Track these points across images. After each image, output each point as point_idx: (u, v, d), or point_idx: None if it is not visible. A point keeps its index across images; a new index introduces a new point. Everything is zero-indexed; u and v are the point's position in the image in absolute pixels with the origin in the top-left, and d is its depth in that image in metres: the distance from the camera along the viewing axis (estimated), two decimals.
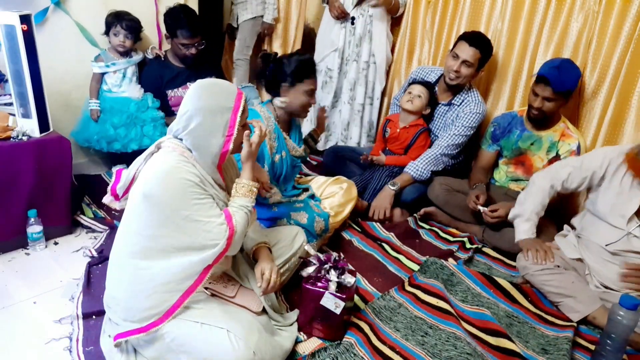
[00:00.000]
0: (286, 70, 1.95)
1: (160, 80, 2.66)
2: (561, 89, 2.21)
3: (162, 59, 2.70)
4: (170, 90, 2.68)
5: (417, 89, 2.62)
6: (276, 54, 2.04)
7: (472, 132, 2.61)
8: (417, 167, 2.59)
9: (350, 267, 1.75)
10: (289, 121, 2.12)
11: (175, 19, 2.50)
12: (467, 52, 2.46)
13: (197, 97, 1.42)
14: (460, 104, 2.63)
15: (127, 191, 1.52)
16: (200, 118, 1.41)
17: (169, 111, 2.72)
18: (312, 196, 2.23)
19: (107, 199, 1.53)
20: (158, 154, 1.47)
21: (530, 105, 2.31)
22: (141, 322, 1.42)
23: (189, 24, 2.49)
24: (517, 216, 2.15)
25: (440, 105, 2.69)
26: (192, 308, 1.45)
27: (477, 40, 2.48)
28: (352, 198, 2.35)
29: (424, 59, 3.04)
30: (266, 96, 2.20)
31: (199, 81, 1.47)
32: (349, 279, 1.65)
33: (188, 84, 2.67)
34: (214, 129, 1.43)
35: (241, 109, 1.46)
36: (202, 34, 2.55)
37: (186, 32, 2.51)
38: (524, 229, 2.11)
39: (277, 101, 2.00)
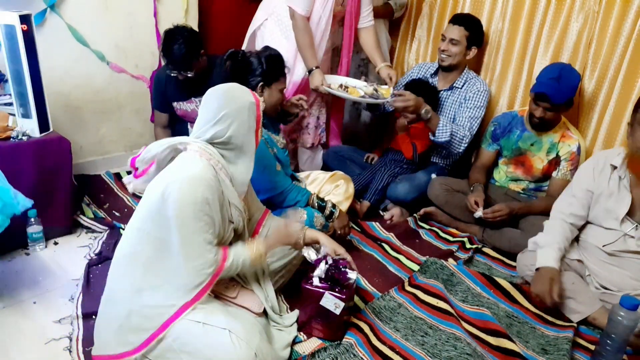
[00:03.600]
0: (258, 69, 1.90)
1: (164, 90, 2.61)
2: (562, 101, 2.22)
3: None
4: (175, 102, 2.65)
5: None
6: (243, 51, 1.97)
7: (483, 112, 2.60)
8: (443, 130, 2.46)
9: (354, 266, 1.76)
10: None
11: (165, 44, 2.35)
12: (452, 31, 2.54)
13: (228, 100, 1.47)
14: (463, 85, 2.64)
15: (145, 171, 1.54)
16: (240, 118, 1.48)
17: (177, 120, 2.72)
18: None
19: (127, 180, 1.54)
20: (184, 155, 1.48)
21: (532, 114, 2.31)
22: (130, 344, 1.43)
23: (174, 56, 2.33)
24: (540, 245, 2.00)
25: (441, 92, 2.70)
26: (195, 308, 1.44)
27: (461, 19, 2.56)
28: (349, 196, 2.35)
29: (425, 59, 3.04)
30: None
31: (215, 89, 1.51)
32: (350, 275, 1.67)
33: (193, 98, 2.61)
34: (250, 124, 1.51)
35: (260, 100, 1.56)
36: (185, 67, 2.38)
37: (169, 62, 2.38)
38: (545, 254, 1.93)
39: None
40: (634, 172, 1.86)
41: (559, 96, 2.19)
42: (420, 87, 2.60)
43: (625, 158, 1.89)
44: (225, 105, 1.47)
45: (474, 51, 2.61)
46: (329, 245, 1.71)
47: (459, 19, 2.56)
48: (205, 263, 1.42)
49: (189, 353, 1.41)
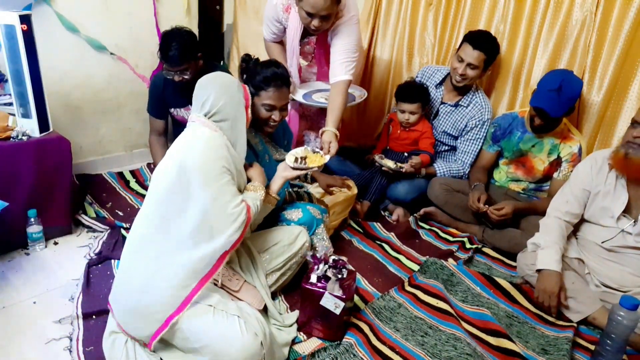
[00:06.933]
0: (252, 77, 1.87)
1: (162, 95, 2.59)
2: (560, 114, 2.21)
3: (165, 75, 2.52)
4: (173, 109, 2.64)
5: (408, 107, 2.62)
6: (257, 58, 1.95)
7: (482, 142, 2.63)
8: (444, 173, 2.67)
9: (350, 267, 1.75)
10: None
11: (162, 44, 2.34)
12: (471, 55, 2.44)
13: (216, 78, 1.64)
14: (468, 105, 2.62)
15: None
16: (228, 95, 1.61)
17: (176, 123, 2.72)
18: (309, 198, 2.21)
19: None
20: (188, 130, 1.61)
21: (532, 119, 2.31)
22: (160, 320, 1.44)
23: (171, 55, 2.30)
24: (541, 246, 2.01)
25: (446, 104, 2.69)
26: (208, 293, 1.48)
27: (480, 42, 2.44)
28: (350, 202, 2.35)
29: (425, 60, 3.04)
30: None
31: (204, 78, 1.65)
32: (346, 275, 1.67)
33: (190, 105, 2.60)
34: (239, 99, 1.65)
35: (247, 87, 1.72)
36: (182, 65, 2.34)
37: (166, 62, 2.35)
38: (547, 256, 1.95)
39: None
40: (615, 167, 1.89)
41: (558, 110, 2.18)
42: (414, 92, 2.62)
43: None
44: (214, 82, 1.62)
45: (488, 73, 2.59)
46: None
47: (478, 43, 2.42)
48: (238, 211, 1.51)
49: (194, 334, 1.42)
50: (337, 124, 2.19)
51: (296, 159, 1.86)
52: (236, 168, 1.60)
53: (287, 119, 2.53)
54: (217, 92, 1.60)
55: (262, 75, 1.85)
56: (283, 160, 2.12)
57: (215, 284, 1.58)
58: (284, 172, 1.84)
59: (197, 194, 1.45)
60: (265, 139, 2.05)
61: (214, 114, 1.58)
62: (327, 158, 1.93)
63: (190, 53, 2.34)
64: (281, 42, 2.57)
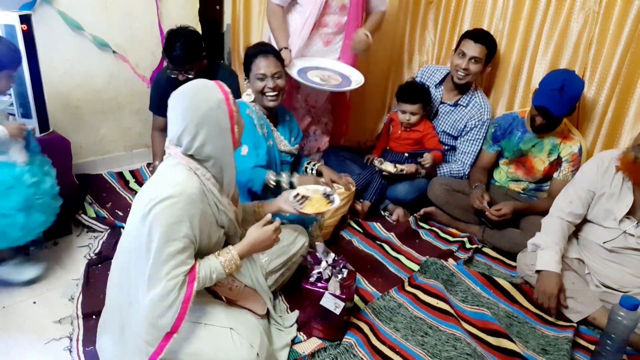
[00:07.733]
0: (245, 61, 2.08)
1: (164, 93, 2.55)
2: (563, 114, 2.21)
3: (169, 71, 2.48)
4: None
5: (409, 108, 2.62)
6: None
7: (482, 142, 2.63)
8: (444, 174, 2.65)
9: (350, 267, 1.75)
10: (274, 114, 2.15)
11: (166, 43, 2.32)
12: (474, 49, 2.46)
13: (192, 107, 1.32)
14: (467, 105, 2.63)
15: None
16: (208, 125, 1.33)
17: None
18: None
19: None
20: (168, 163, 1.40)
21: (533, 118, 2.31)
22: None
23: (176, 55, 2.28)
24: (541, 247, 2.01)
25: (445, 104, 2.69)
26: (196, 309, 1.43)
27: (481, 36, 2.48)
28: (350, 194, 2.34)
29: (425, 59, 3.04)
30: None
31: (180, 92, 1.36)
32: (346, 275, 1.67)
33: None
34: (222, 126, 1.36)
35: (229, 93, 1.38)
36: (187, 66, 2.32)
37: (170, 62, 2.34)
38: (546, 257, 1.95)
39: (245, 96, 2.10)
40: (623, 170, 1.88)
41: (560, 109, 2.18)
42: (416, 93, 2.61)
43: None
44: (188, 113, 1.31)
45: (487, 69, 2.60)
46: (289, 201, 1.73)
47: (479, 37, 2.47)
48: (170, 286, 1.29)
49: (190, 354, 1.40)
50: (370, 31, 2.49)
51: (297, 195, 1.75)
52: (217, 208, 1.42)
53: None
54: (195, 125, 1.31)
55: (250, 53, 2.06)
56: (286, 152, 2.14)
57: (220, 299, 1.54)
58: (282, 203, 1.74)
59: (152, 248, 1.29)
60: (271, 126, 2.08)
61: (192, 155, 1.36)
62: (333, 206, 1.75)
63: (195, 53, 2.33)
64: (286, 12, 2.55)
